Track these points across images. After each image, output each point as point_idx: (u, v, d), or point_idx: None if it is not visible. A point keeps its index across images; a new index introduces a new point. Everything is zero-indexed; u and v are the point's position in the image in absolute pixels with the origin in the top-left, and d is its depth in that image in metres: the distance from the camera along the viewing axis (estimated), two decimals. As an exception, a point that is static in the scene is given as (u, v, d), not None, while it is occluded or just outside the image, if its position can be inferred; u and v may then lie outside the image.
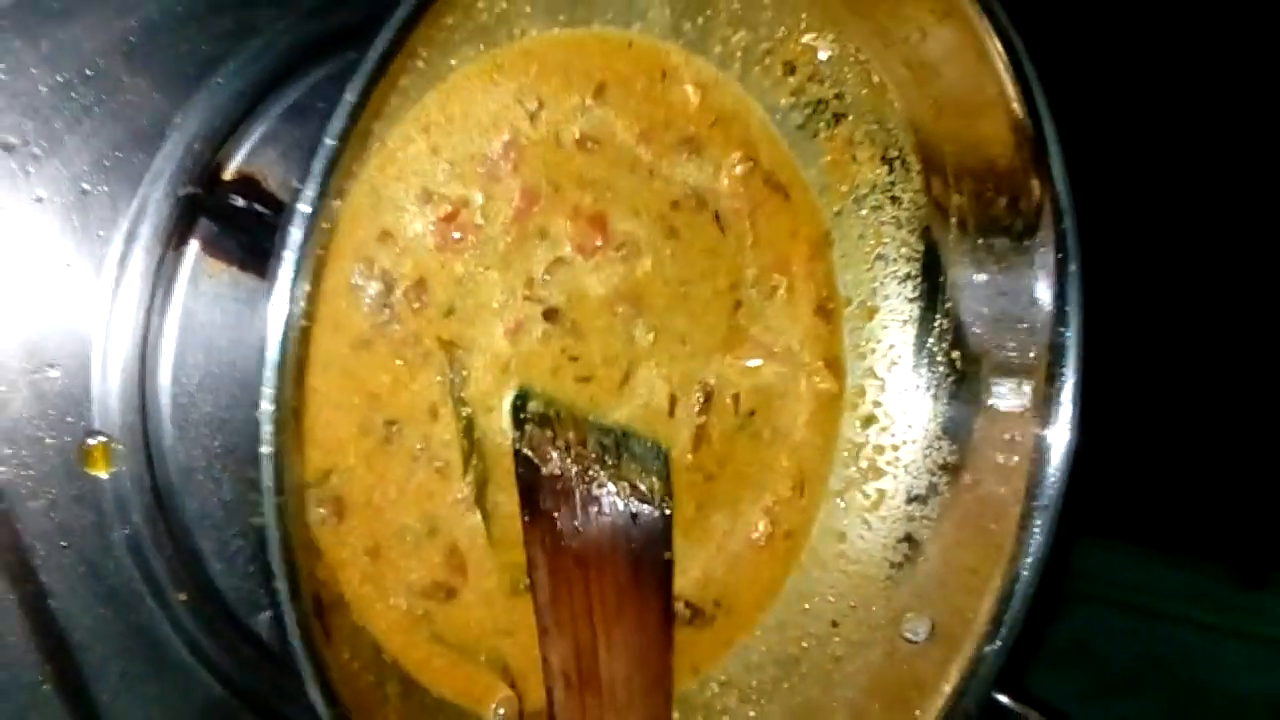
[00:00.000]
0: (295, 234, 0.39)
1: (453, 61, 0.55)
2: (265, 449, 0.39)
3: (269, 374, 0.39)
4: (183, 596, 0.54)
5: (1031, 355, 0.67)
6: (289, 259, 0.39)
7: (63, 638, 0.52)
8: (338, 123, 0.39)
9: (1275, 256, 1.11)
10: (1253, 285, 1.13)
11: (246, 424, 0.55)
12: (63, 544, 0.52)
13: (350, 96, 0.39)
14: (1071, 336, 0.65)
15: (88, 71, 0.52)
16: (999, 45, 0.61)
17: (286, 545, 0.39)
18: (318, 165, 0.39)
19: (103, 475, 0.52)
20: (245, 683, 0.57)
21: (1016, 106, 0.63)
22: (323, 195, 0.40)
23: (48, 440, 0.51)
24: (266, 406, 0.39)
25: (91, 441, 0.52)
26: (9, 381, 0.50)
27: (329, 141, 0.39)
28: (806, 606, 0.70)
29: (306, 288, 0.41)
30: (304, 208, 0.39)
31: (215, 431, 0.55)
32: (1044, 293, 0.66)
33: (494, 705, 0.58)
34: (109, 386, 0.52)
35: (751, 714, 0.67)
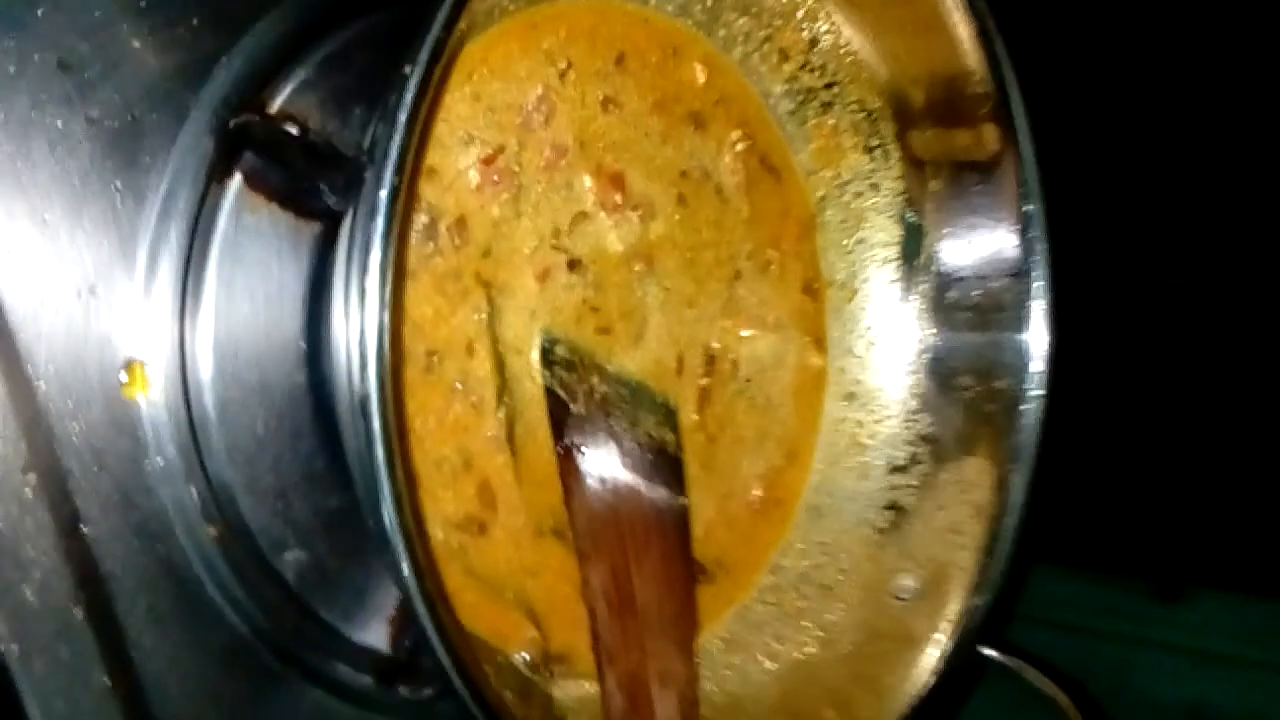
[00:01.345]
0: (392, 149, 0.41)
1: (495, 14, 0.57)
2: (371, 320, 0.40)
3: (375, 257, 0.41)
4: (212, 531, 0.54)
5: (1006, 333, 0.72)
6: (388, 177, 0.41)
7: (94, 565, 0.51)
8: (412, 88, 0.41)
9: (1180, 266, 1.18)
10: (1162, 297, 1.20)
11: (284, 356, 0.56)
12: (97, 469, 0.51)
13: (420, 63, 0.42)
14: (1041, 310, 0.71)
15: (143, 3, 0.53)
16: (972, 29, 0.66)
17: (386, 417, 0.40)
18: (402, 116, 0.42)
19: (141, 400, 0.52)
20: (268, 625, 0.56)
21: (994, 96, 0.68)
22: (410, 134, 0.42)
23: (89, 362, 0.51)
24: (374, 282, 0.40)
25: (131, 365, 0.52)
26: (54, 302, 0.50)
27: (408, 96, 0.41)
28: (799, 569, 0.73)
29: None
30: (396, 142, 0.42)
31: (252, 366, 0.55)
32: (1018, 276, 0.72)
33: (520, 649, 0.58)
34: (152, 312, 0.52)
35: (752, 670, 0.68)
